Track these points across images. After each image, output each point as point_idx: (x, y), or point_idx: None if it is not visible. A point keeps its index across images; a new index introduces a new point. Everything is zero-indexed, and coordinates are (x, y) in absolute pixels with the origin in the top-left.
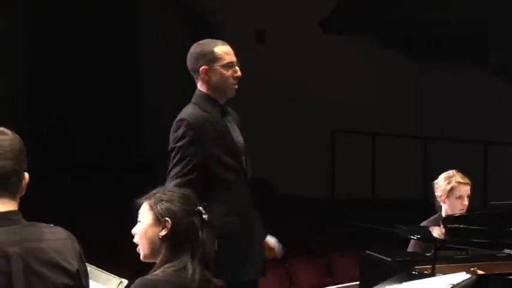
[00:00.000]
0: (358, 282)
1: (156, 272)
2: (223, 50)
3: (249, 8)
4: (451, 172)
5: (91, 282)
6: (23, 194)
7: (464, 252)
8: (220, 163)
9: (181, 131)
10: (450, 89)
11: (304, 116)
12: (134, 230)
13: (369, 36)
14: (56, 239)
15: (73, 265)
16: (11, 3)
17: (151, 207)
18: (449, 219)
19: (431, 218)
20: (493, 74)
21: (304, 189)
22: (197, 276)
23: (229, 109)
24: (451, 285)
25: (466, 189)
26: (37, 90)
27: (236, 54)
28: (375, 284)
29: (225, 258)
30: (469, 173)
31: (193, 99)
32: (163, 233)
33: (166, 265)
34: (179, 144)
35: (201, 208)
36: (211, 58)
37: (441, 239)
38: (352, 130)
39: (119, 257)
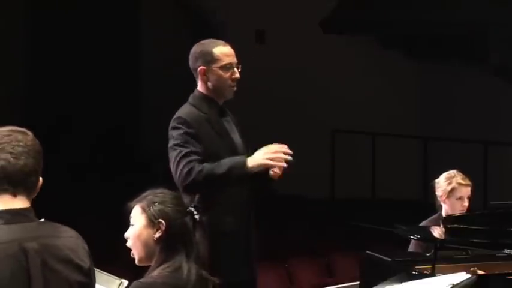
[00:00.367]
0: (358, 282)
1: (152, 274)
2: (222, 51)
3: (249, 8)
4: (452, 172)
5: None
6: (34, 196)
7: (464, 252)
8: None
9: (178, 128)
10: (450, 89)
11: (304, 116)
12: (127, 234)
13: (369, 36)
14: (68, 237)
15: (85, 262)
16: (11, 3)
17: (143, 210)
18: (449, 219)
19: (431, 218)
20: (493, 74)
21: (304, 190)
22: (193, 276)
23: (227, 111)
24: (451, 285)
25: (466, 191)
26: (37, 90)
27: (236, 55)
28: (375, 284)
29: (221, 257)
30: (469, 173)
31: (190, 100)
32: (157, 235)
33: (162, 266)
34: (178, 141)
35: (192, 208)
36: (210, 59)
37: (441, 239)
38: (352, 130)
39: (119, 257)
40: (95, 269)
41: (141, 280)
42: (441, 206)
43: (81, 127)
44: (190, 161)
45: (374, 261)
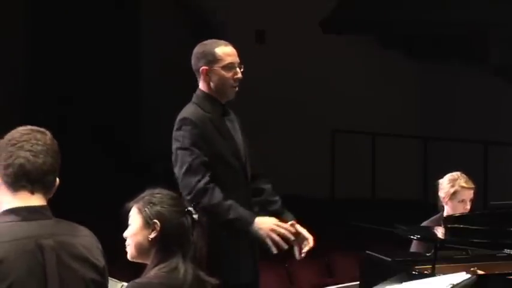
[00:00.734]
0: (358, 282)
1: (148, 275)
2: (224, 51)
3: (249, 8)
4: (455, 174)
5: None
6: (51, 195)
7: (464, 252)
8: (222, 162)
9: (185, 129)
10: (450, 89)
11: (304, 116)
12: (125, 234)
13: (369, 36)
14: (84, 236)
15: (100, 262)
16: (11, 3)
17: (140, 211)
18: (449, 219)
19: (432, 218)
20: (493, 74)
21: (304, 189)
22: (189, 276)
23: (230, 110)
24: (451, 285)
25: (469, 194)
26: (37, 90)
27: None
28: (375, 284)
29: (225, 259)
30: (469, 173)
31: (193, 99)
32: (152, 235)
33: (158, 267)
34: (185, 143)
35: (191, 209)
36: (212, 59)
37: (441, 239)
38: (352, 130)
39: (118, 257)
40: None
41: (136, 280)
42: (443, 206)
43: (81, 127)
44: (208, 181)
45: (374, 261)
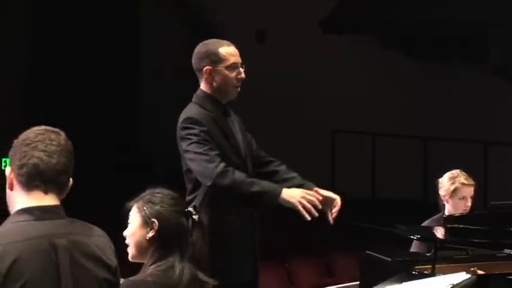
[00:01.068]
0: (358, 282)
1: (144, 273)
2: (228, 51)
3: (249, 8)
4: (455, 172)
5: None
6: (64, 196)
7: (464, 252)
8: (225, 161)
9: (192, 127)
10: (450, 89)
11: (304, 116)
12: (125, 233)
13: (369, 36)
14: (97, 236)
15: (113, 261)
16: (11, 3)
17: (139, 210)
18: (449, 219)
19: (434, 217)
20: (493, 74)
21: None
22: (186, 276)
23: (231, 110)
24: (451, 285)
25: (469, 191)
26: (37, 90)
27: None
28: (375, 284)
29: (226, 257)
30: (469, 173)
31: (194, 99)
32: (150, 234)
33: (154, 265)
34: (195, 139)
35: (191, 209)
36: (216, 59)
37: (441, 239)
38: (352, 130)
39: (119, 256)
40: None
41: (131, 278)
42: (444, 205)
43: (80, 127)
44: (226, 166)
45: (374, 261)
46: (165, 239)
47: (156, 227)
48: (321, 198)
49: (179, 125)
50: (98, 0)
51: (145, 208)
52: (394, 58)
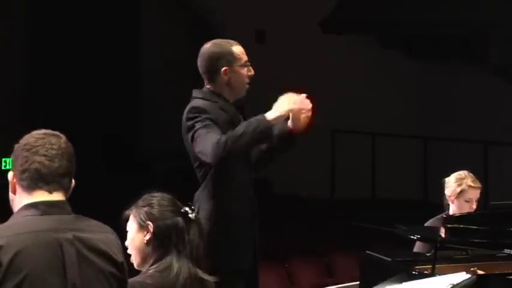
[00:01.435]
0: (358, 282)
1: (143, 275)
2: (239, 49)
3: (249, 8)
4: (462, 173)
5: None
6: (67, 197)
7: (464, 252)
8: None
9: (196, 117)
10: (450, 89)
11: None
12: (126, 242)
13: (369, 36)
14: (103, 232)
15: (119, 257)
16: (11, 3)
17: (134, 216)
18: (449, 220)
19: (438, 216)
20: (493, 74)
21: (304, 189)
22: (184, 275)
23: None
24: (451, 285)
25: (476, 193)
26: (37, 90)
27: None
28: (375, 284)
29: (227, 245)
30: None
31: (198, 95)
32: (147, 237)
33: (153, 266)
34: (197, 127)
35: (187, 208)
36: (231, 59)
37: (441, 239)
38: (352, 130)
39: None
40: None
41: (129, 280)
42: (449, 205)
43: (81, 126)
44: (215, 133)
45: (374, 261)
46: (161, 240)
47: (151, 229)
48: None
49: (185, 115)
50: (98, 1)
51: (139, 213)
52: (394, 58)
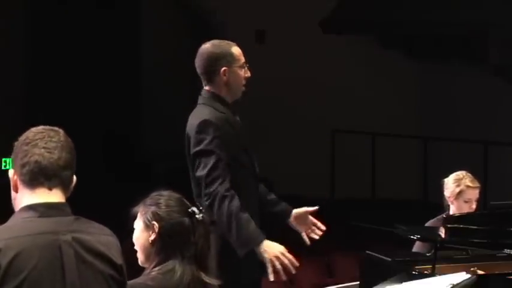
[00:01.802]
0: (358, 282)
1: (145, 276)
2: (238, 50)
3: (249, 8)
4: (460, 174)
5: None
6: (69, 194)
7: (464, 252)
8: (239, 162)
9: (207, 132)
10: (450, 89)
11: (304, 116)
12: (133, 239)
13: (369, 36)
14: (103, 234)
15: (118, 260)
16: (11, 3)
17: (141, 214)
18: (449, 220)
19: (438, 217)
20: (493, 74)
21: (304, 189)
22: (187, 277)
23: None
24: (451, 285)
25: (474, 193)
26: (37, 90)
27: None
28: (375, 284)
29: (237, 256)
30: (474, 174)
31: (202, 100)
32: (152, 237)
33: (156, 268)
34: (207, 145)
35: (194, 209)
36: (230, 59)
37: (441, 239)
38: (352, 130)
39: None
40: None
41: (130, 282)
42: (449, 205)
43: (81, 126)
44: (228, 188)
45: (374, 261)
46: (166, 241)
47: (156, 229)
48: (297, 265)
49: (195, 128)
50: (98, 1)
51: (146, 212)
52: (394, 58)
